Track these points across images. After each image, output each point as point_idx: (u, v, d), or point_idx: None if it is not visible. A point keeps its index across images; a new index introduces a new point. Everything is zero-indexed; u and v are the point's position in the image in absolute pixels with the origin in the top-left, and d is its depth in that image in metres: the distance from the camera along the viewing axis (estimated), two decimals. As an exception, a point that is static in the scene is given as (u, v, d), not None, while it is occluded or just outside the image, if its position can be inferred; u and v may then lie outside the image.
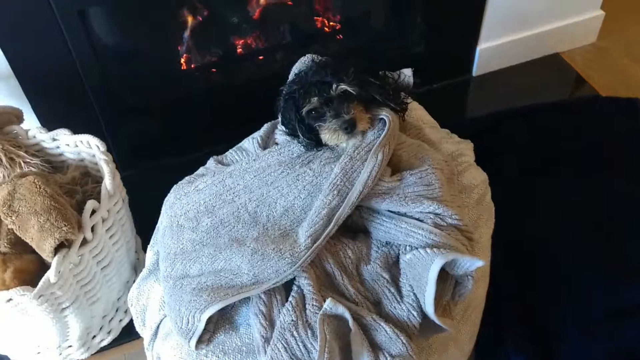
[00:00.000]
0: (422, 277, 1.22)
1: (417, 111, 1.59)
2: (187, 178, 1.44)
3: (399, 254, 1.32)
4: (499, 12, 2.33)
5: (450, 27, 2.35)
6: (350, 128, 1.30)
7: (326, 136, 1.33)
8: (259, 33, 2.27)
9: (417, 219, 1.29)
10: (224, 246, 1.29)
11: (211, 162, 1.49)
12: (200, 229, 1.34)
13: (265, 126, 1.53)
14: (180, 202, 1.39)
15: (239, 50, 2.27)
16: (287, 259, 1.23)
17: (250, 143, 1.49)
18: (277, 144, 1.43)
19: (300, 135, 1.36)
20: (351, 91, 1.32)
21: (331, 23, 2.37)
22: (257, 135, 1.50)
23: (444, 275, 1.26)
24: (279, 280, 1.23)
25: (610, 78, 2.40)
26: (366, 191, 1.28)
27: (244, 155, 1.47)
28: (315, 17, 2.36)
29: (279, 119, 1.45)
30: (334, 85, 1.31)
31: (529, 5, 2.36)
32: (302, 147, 1.38)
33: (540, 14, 2.42)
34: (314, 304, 1.21)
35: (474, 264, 1.21)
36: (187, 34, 2.18)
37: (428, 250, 1.22)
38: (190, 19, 2.18)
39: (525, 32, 2.38)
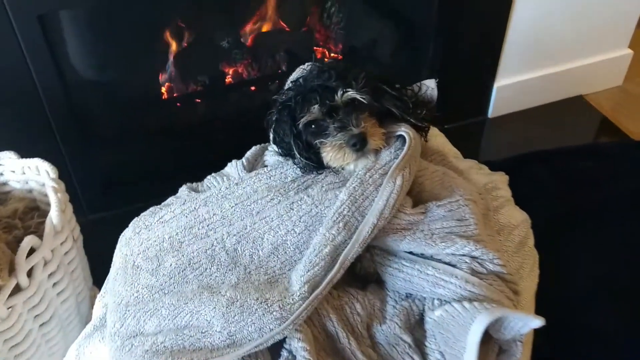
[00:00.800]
0: (457, 341, 0.90)
1: (437, 138, 1.31)
2: (151, 209, 1.13)
3: (423, 310, 1.00)
4: (517, 46, 2.10)
5: (465, 61, 2.10)
6: (359, 144, 1.00)
7: (329, 155, 1.03)
8: (252, 61, 2.01)
9: (448, 263, 0.98)
10: (192, 295, 0.97)
11: (183, 190, 1.19)
12: (161, 271, 1.01)
13: (253, 148, 1.24)
14: (139, 237, 1.07)
15: (228, 79, 2.00)
16: (275, 313, 0.91)
17: (233, 166, 1.19)
18: (266, 166, 1.13)
19: (297, 153, 1.06)
20: (361, 99, 1.03)
21: (332, 55, 2.12)
22: (243, 158, 1.20)
23: (486, 339, 0.93)
24: (262, 341, 0.91)
25: (643, 123, 2.12)
26: (381, 224, 0.98)
27: (225, 180, 1.16)
28: (315, 47, 2.11)
29: (270, 136, 1.15)
30: (340, 92, 1.02)
31: (550, 41, 2.13)
32: (299, 169, 1.07)
33: (562, 51, 2.19)
34: (311, 375, 0.88)
35: (528, 324, 0.89)
36: (170, 58, 1.91)
37: (466, 304, 0.91)
38: (173, 43, 1.92)
39: (546, 69, 2.18)
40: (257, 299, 0.92)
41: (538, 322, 0.88)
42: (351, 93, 1.04)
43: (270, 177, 1.08)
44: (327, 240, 0.96)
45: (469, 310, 0.89)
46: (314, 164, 1.07)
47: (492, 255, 0.98)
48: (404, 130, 1.06)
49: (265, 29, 1.99)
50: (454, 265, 0.98)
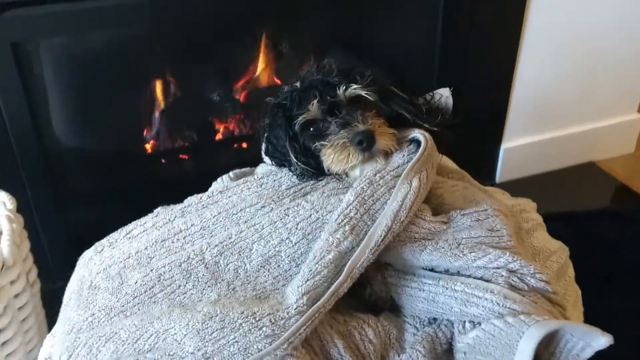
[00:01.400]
0: (501, 365, 0.69)
1: (451, 163, 1.15)
2: (120, 229, 0.94)
3: (451, 337, 0.79)
4: (523, 106, 2.01)
5: (470, 122, 1.97)
6: (366, 143, 0.84)
7: (330, 157, 0.87)
8: (244, 117, 1.89)
9: (480, 279, 0.78)
10: (159, 314, 0.76)
11: (160, 209, 1.00)
12: (124, 290, 0.81)
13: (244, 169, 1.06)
14: (101, 256, 0.88)
15: (218, 135, 1.87)
16: (264, 330, 0.70)
17: (217, 182, 1.01)
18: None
19: (293, 157, 0.89)
20: (367, 96, 0.88)
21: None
22: (230, 172, 1.03)
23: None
24: (247, 365, 0.69)
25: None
26: (396, 228, 0.79)
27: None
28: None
29: (262, 147, 0.99)
30: (343, 87, 0.87)
31: (556, 102, 2.05)
32: (295, 177, 0.90)
33: (569, 113, 2.11)
34: (311, 413, 0.66)
35: (592, 343, 0.68)
36: (156, 110, 1.78)
37: (509, 319, 0.71)
38: (161, 94, 1.80)
39: (553, 132, 2.08)
40: (242, 312, 0.72)
41: (607, 339, 0.68)
42: (356, 88, 0.89)
43: (261, 185, 0.91)
44: (331, 246, 0.77)
45: (514, 326, 0.69)
46: (313, 170, 0.90)
47: (534, 268, 0.79)
48: (418, 132, 0.91)
49: (259, 84, 1.89)
50: (487, 280, 0.79)
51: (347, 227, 0.79)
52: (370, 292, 0.86)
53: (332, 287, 0.75)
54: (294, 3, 1.70)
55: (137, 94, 1.74)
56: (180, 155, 1.85)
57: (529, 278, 0.79)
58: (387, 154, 0.89)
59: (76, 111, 1.66)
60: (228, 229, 0.84)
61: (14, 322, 1.08)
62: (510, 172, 2.10)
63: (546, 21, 1.79)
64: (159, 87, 1.76)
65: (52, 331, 0.93)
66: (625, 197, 2.11)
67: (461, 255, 0.80)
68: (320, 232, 0.81)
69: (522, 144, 2.06)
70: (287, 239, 0.82)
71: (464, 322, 0.78)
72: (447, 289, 0.79)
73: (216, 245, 0.82)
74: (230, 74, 1.83)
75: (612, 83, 2.03)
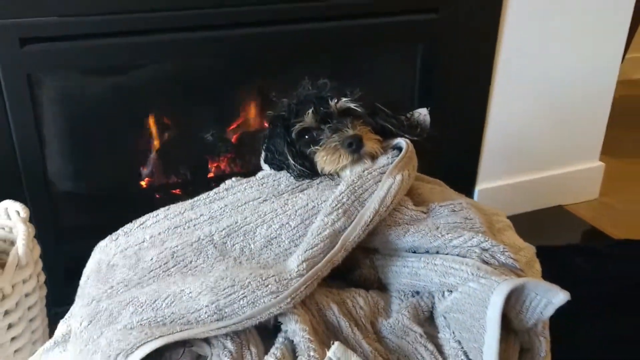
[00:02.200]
0: (476, 321, 0.80)
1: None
2: (133, 221, 1.04)
3: (432, 307, 0.89)
4: (496, 149, 2.14)
5: (446, 162, 2.12)
6: (355, 145, 0.98)
7: (324, 159, 0.99)
8: (235, 156, 2.01)
9: (456, 255, 0.90)
10: (173, 281, 0.85)
11: (171, 205, 1.10)
12: (140, 265, 0.91)
13: (243, 179, 1.18)
14: (116, 242, 0.98)
15: (210, 174, 1.98)
16: (270, 287, 0.81)
17: (225, 183, 1.13)
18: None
19: (290, 160, 1.02)
20: (356, 109, 1.02)
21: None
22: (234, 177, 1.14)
23: (504, 335, 0.83)
24: (254, 314, 0.79)
25: (624, 229, 2.15)
26: (383, 212, 0.91)
27: (213, 196, 1.09)
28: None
29: (262, 156, 1.12)
30: (335, 100, 1.01)
31: (526, 145, 2.19)
32: (292, 177, 1.02)
33: (538, 157, 2.22)
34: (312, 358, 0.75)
35: (552, 301, 0.79)
36: (152, 150, 1.90)
37: (482, 280, 0.82)
38: (156, 135, 1.92)
39: (524, 175, 2.19)
40: (251, 273, 0.82)
41: (564, 295, 0.79)
42: (346, 101, 1.03)
43: (262, 184, 1.02)
44: (326, 225, 0.89)
45: (486, 284, 0.80)
46: (309, 171, 1.03)
47: (503, 247, 0.91)
48: (400, 139, 1.04)
49: (249, 127, 2.02)
50: (463, 257, 0.90)
51: (340, 211, 0.90)
52: (359, 274, 0.96)
53: (328, 256, 0.85)
54: (283, 59, 1.86)
55: (134, 132, 1.85)
56: (173, 191, 1.94)
57: (499, 255, 0.90)
58: (374, 157, 1.02)
59: (77, 147, 1.74)
60: (234, 217, 0.95)
61: (23, 319, 1.15)
62: None
63: (513, 69, 1.96)
64: (155, 127, 1.87)
65: (67, 315, 1.01)
66: (594, 237, 2.22)
67: (439, 236, 0.91)
68: (316, 217, 0.92)
69: (494, 186, 2.19)
70: (287, 223, 0.93)
71: (443, 292, 0.89)
72: (427, 263, 0.90)
73: (224, 229, 0.93)
74: (224, 117, 1.97)
75: (576, 131, 2.19)
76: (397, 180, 0.95)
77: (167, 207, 1.01)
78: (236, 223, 0.93)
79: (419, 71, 1.97)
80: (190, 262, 0.90)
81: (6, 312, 1.10)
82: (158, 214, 1.00)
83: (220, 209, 0.97)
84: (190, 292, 0.81)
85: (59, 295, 1.63)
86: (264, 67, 1.87)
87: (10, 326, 1.12)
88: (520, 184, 2.23)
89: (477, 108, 2.04)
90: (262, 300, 0.79)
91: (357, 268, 0.96)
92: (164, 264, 0.89)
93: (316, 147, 1.01)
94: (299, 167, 1.02)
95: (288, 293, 0.80)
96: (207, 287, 0.80)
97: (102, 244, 1.00)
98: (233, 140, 2.05)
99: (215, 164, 2.01)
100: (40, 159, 1.53)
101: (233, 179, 1.12)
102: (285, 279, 0.81)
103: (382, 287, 0.96)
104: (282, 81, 1.91)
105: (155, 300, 0.82)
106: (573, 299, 1.75)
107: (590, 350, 1.61)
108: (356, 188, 0.94)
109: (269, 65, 1.87)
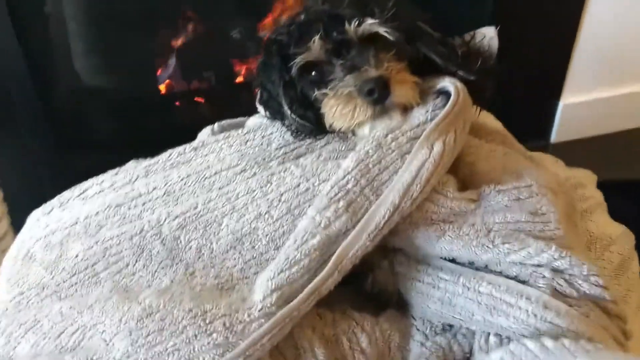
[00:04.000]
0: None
1: (493, 121, 0.93)
2: (75, 186, 0.77)
3: (470, 352, 0.60)
4: (591, 55, 1.74)
5: (527, 68, 1.72)
6: (378, 93, 0.65)
7: (333, 110, 0.68)
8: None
9: (515, 278, 0.59)
10: (94, 301, 0.59)
11: (131, 163, 0.82)
12: (61, 265, 0.65)
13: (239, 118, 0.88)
14: (48, 218, 0.72)
15: (239, 78, 1.69)
16: (215, 336, 0.54)
17: (203, 132, 0.84)
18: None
19: (287, 109, 0.70)
20: (386, 35, 0.67)
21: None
22: (216, 123, 0.84)
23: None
24: (189, 382, 0.52)
25: None
26: (406, 208, 0.60)
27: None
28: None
29: (257, 94, 0.80)
30: (355, 21, 0.67)
31: (631, 51, 1.75)
32: (289, 133, 0.71)
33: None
34: None
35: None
36: (172, 48, 1.62)
37: (547, 341, 0.51)
38: (177, 31, 1.63)
39: (624, 87, 1.81)
40: (190, 310, 0.55)
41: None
42: (372, 23, 0.68)
43: (245, 142, 0.72)
44: (318, 227, 0.59)
45: (553, 353, 0.50)
46: (312, 125, 0.71)
47: (588, 268, 0.59)
48: (448, 81, 0.70)
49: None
50: (524, 282, 0.59)
51: (341, 203, 0.60)
52: (372, 283, 0.67)
53: (313, 283, 0.57)
54: None
55: (152, 28, 1.56)
56: (196, 98, 1.69)
57: (580, 281, 0.59)
58: (406, 109, 0.69)
59: (84, 45, 1.51)
60: (197, 195, 0.67)
61: None
62: (567, 131, 1.87)
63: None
64: (176, 21, 1.58)
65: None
66: None
67: (491, 246, 0.60)
68: (309, 206, 0.63)
69: (586, 99, 1.82)
70: (266, 212, 0.64)
71: (488, 334, 0.59)
72: (468, 289, 0.60)
73: (177, 216, 0.65)
74: (254, 8, 1.62)
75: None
76: (434, 154, 0.63)
77: (116, 171, 0.73)
78: (195, 208, 0.65)
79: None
80: (127, 265, 0.63)
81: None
82: (104, 181, 0.73)
83: (181, 180, 0.69)
84: (103, 331, 0.55)
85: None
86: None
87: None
88: (618, 98, 1.85)
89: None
90: (200, 358, 0.52)
91: (370, 272, 0.67)
92: (92, 266, 0.63)
93: (323, 92, 0.69)
94: (297, 119, 0.71)
95: (241, 349, 0.53)
96: (127, 329, 0.54)
97: (34, 215, 0.75)
98: (266, 38, 1.72)
99: (245, 67, 1.71)
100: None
101: (215, 125, 0.82)
102: (240, 322, 0.54)
103: (402, 304, 0.67)
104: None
105: (60, 335, 0.57)
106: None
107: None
108: (370, 166, 0.63)
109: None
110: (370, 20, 0.70)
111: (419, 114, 0.69)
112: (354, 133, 0.72)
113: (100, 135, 1.61)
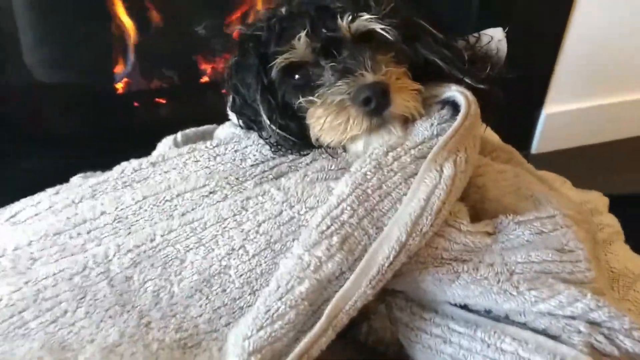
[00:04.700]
0: None
1: (490, 136, 0.83)
2: (4, 207, 0.64)
3: None
4: (574, 64, 1.73)
5: (508, 80, 1.65)
6: (377, 102, 0.53)
7: (321, 121, 0.57)
8: (236, 57, 1.58)
9: (543, 332, 0.48)
10: (20, 362, 0.46)
11: (77, 180, 0.69)
12: (-20, 311, 0.51)
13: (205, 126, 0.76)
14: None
15: (204, 78, 1.58)
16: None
17: (163, 142, 0.71)
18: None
19: (265, 117, 0.58)
20: (383, 33, 0.56)
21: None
22: (179, 132, 0.72)
23: None
24: None
25: None
26: (414, 245, 0.49)
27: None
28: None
29: (228, 101, 0.68)
30: (348, 16, 0.55)
31: (614, 62, 1.75)
32: (268, 147, 0.59)
33: (628, 76, 1.78)
34: None
35: None
36: (129, 44, 1.50)
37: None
38: (133, 25, 1.51)
39: (607, 98, 1.79)
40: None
41: None
42: (368, 19, 0.57)
43: (215, 157, 0.60)
44: (306, 270, 0.47)
45: None
46: (295, 139, 0.59)
47: (629, 321, 0.49)
48: (456, 89, 0.59)
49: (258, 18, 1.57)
50: (554, 337, 0.48)
51: (334, 239, 0.49)
52: (367, 332, 0.56)
53: (302, 344, 0.45)
54: None
55: (106, 20, 1.42)
56: (157, 99, 1.58)
57: (622, 337, 0.49)
58: (407, 122, 0.58)
59: (34, 37, 1.39)
60: (154, 224, 0.54)
61: None
62: (550, 141, 1.83)
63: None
64: (132, 13, 1.46)
65: None
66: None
67: (515, 293, 0.50)
68: (294, 240, 0.51)
69: (568, 109, 1.76)
70: (240, 247, 0.52)
71: (513, 403, 0.48)
72: (489, 346, 0.49)
73: (130, 250, 0.52)
74: (222, 1, 1.50)
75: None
76: (445, 177, 0.52)
77: (55, 190, 0.60)
78: (152, 241, 0.53)
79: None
80: (65, 313, 0.51)
81: None
82: (40, 201, 0.60)
83: (135, 203, 0.56)
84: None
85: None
86: None
87: None
88: (600, 108, 1.79)
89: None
90: None
91: (365, 318, 0.56)
92: (19, 313, 0.51)
93: (309, 99, 0.58)
94: (277, 130, 0.59)
95: None
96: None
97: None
98: (234, 35, 1.61)
99: (210, 66, 1.60)
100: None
101: (178, 135, 0.70)
102: (209, 399, 0.41)
103: (402, 356, 0.55)
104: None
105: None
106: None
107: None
108: (370, 192, 0.51)
109: None
110: (366, 16, 0.59)
111: (422, 128, 0.58)
112: (344, 149, 0.61)
113: (52, 135, 1.49)
